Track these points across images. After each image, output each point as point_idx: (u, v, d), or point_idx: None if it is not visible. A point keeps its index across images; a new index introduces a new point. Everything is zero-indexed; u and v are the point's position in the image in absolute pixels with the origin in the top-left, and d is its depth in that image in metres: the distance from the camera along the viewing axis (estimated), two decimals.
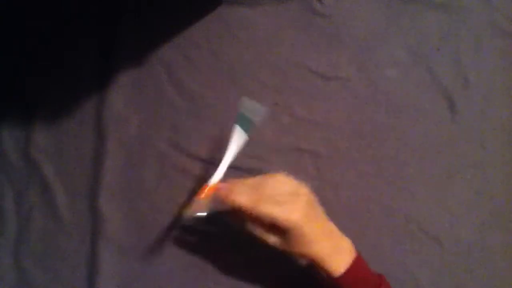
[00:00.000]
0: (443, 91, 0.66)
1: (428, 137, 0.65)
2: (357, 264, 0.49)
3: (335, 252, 0.49)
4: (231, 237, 0.61)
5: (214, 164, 0.64)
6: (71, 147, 0.69)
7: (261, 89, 0.68)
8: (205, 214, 0.51)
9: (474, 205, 0.63)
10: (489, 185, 0.63)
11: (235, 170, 0.64)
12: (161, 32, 0.70)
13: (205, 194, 0.51)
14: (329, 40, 0.68)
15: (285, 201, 0.47)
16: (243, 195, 0.47)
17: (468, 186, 0.63)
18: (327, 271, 0.48)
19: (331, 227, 0.51)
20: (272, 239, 0.49)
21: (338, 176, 0.65)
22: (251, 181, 0.50)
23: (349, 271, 0.48)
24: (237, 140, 0.54)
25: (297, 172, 0.64)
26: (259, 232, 0.49)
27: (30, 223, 0.67)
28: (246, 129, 0.55)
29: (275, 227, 0.47)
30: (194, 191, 0.55)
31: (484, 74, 0.66)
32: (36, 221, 0.67)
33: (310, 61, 0.68)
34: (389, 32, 0.68)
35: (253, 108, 0.54)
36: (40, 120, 0.70)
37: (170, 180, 0.66)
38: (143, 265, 0.64)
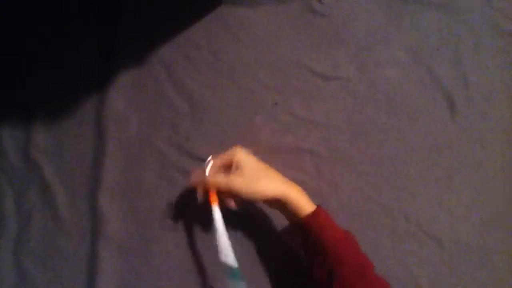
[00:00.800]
0: (443, 91, 0.66)
1: (428, 137, 0.65)
2: (322, 209, 0.55)
3: (301, 193, 0.56)
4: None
5: None
6: (71, 147, 0.69)
7: (261, 89, 0.68)
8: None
9: (474, 205, 0.63)
10: (489, 185, 0.63)
11: None
12: (161, 32, 0.70)
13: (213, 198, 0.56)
14: (329, 40, 0.68)
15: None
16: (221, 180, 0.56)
17: (468, 186, 0.63)
18: (298, 209, 0.54)
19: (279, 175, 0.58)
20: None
21: (338, 176, 0.65)
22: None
23: (316, 211, 0.53)
24: None
25: (297, 172, 0.65)
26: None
27: (30, 223, 0.67)
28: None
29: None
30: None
31: (484, 74, 0.66)
32: (36, 221, 0.67)
33: (310, 61, 0.68)
34: (389, 32, 0.68)
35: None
36: (40, 120, 0.70)
37: (170, 180, 0.66)
38: (143, 265, 0.64)
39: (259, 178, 0.55)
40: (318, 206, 0.55)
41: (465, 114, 0.65)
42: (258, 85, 0.68)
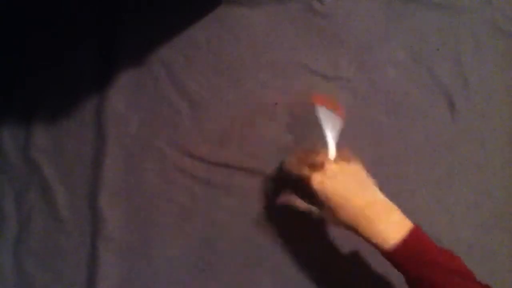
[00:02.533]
0: (443, 91, 0.66)
1: (428, 137, 0.65)
2: (413, 237, 0.46)
3: (383, 223, 0.48)
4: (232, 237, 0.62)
5: (216, 164, 0.65)
6: (71, 147, 0.69)
7: (261, 89, 0.68)
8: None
9: (474, 205, 0.63)
10: (489, 185, 0.63)
11: (235, 170, 0.64)
12: (161, 32, 0.70)
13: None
14: (329, 40, 0.68)
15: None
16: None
17: (468, 186, 0.63)
18: (375, 243, 0.47)
19: (377, 196, 0.52)
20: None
21: None
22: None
23: (403, 242, 0.45)
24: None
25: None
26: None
27: (30, 223, 0.67)
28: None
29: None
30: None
31: (484, 74, 0.66)
32: (36, 221, 0.67)
33: (310, 61, 0.68)
34: (389, 32, 0.68)
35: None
36: (40, 120, 0.70)
37: (170, 180, 0.66)
38: (143, 265, 0.64)
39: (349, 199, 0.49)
40: (410, 231, 0.47)
41: (465, 114, 0.65)
42: (258, 85, 0.68)
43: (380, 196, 0.51)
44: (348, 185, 0.51)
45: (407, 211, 0.63)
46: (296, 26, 0.69)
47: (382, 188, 0.64)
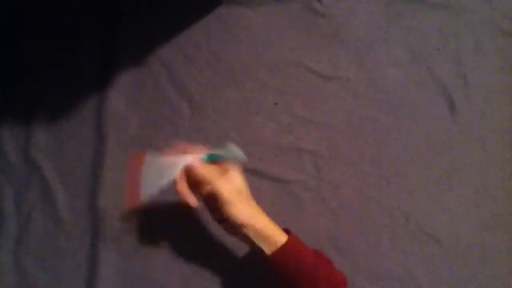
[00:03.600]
0: (443, 91, 0.66)
1: (428, 137, 0.65)
2: (290, 243, 0.52)
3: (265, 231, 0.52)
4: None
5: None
6: (71, 147, 0.69)
7: (261, 89, 0.68)
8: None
9: (474, 205, 0.63)
10: (489, 185, 0.63)
11: None
12: (161, 32, 0.70)
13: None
14: (329, 40, 0.68)
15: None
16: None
17: (468, 186, 0.63)
18: (258, 248, 0.51)
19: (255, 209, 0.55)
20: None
21: (338, 176, 0.65)
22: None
23: (281, 249, 0.51)
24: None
25: (297, 172, 0.65)
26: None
27: (30, 223, 0.67)
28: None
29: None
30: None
31: (484, 74, 0.66)
32: (36, 221, 0.67)
33: (310, 61, 0.68)
34: (389, 32, 0.68)
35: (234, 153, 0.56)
36: (40, 120, 0.70)
37: None
38: (143, 265, 0.64)
39: (241, 201, 0.53)
40: (287, 238, 0.52)
41: (465, 114, 0.65)
42: (258, 85, 0.68)
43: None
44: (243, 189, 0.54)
45: (407, 211, 0.63)
46: (296, 26, 0.69)
47: (382, 188, 0.65)
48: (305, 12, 0.69)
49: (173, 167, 0.53)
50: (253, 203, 0.55)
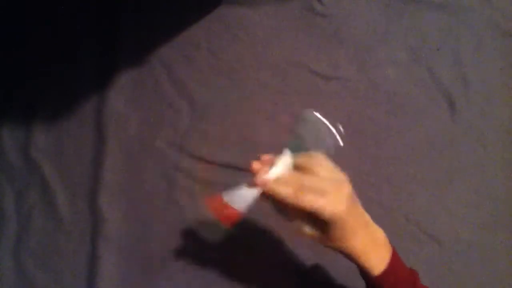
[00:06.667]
0: (443, 91, 0.66)
1: (428, 137, 0.65)
2: (395, 261, 0.45)
3: (373, 247, 0.45)
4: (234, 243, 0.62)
5: (216, 164, 0.65)
6: (71, 147, 0.69)
7: (261, 89, 0.68)
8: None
9: (474, 205, 0.63)
10: (489, 185, 0.63)
11: (234, 170, 0.64)
12: (161, 32, 0.70)
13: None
14: (329, 40, 0.68)
15: (328, 191, 0.42)
16: (284, 185, 0.43)
17: (468, 186, 0.63)
18: (366, 268, 0.44)
19: (367, 217, 0.46)
20: (309, 230, 0.44)
21: None
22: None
23: (388, 269, 0.44)
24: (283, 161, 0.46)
25: None
26: (297, 223, 0.44)
27: (30, 223, 0.67)
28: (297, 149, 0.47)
29: (314, 218, 0.42)
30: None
31: (484, 74, 0.66)
32: (36, 221, 0.67)
33: (310, 61, 0.68)
34: (389, 32, 0.68)
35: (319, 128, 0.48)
36: (40, 120, 0.70)
37: (170, 180, 0.66)
38: (143, 265, 0.64)
39: (360, 224, 0.44)
40: (391, 257, 0.45)
41: (465, 114, 0.65)
42: (258, 85, 0.68)
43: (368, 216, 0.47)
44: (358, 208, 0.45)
45: (407, 211, 0.63)
46: (296, 26, 0.69)
47: (382, 188, 0.65)
48: (305, 12, 0.69)
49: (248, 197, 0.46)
50: (367, 218, 0.46)
